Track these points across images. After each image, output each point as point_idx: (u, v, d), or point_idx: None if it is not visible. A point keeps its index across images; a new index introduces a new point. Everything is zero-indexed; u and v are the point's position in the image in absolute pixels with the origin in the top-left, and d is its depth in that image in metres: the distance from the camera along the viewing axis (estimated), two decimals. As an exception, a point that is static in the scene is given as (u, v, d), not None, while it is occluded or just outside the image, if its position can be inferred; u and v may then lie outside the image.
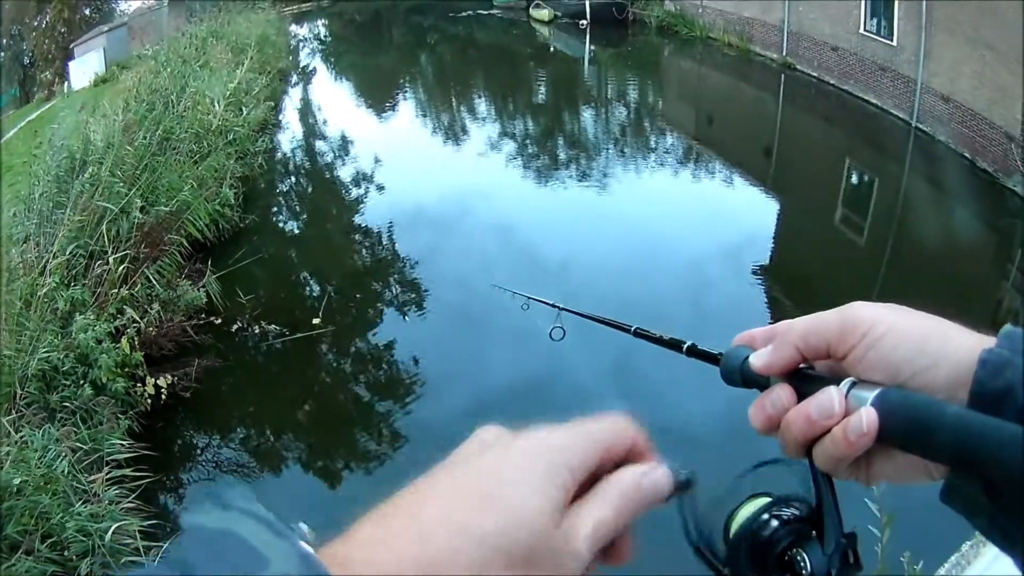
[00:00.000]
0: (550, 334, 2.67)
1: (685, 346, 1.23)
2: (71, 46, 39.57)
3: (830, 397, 0.87)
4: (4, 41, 40.97)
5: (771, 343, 0.98)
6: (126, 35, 39.08)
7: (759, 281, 14.96)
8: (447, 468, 0.83)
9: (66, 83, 37.25)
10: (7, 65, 41.27)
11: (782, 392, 0.94)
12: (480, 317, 13.52)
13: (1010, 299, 14.57)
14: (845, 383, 0.88)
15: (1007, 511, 0.79)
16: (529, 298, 3.01)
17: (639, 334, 1.50)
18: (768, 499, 0.99)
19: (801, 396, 0.92)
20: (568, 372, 11.67)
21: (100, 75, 34.40)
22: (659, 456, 0.87)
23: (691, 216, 18.82)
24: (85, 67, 36.37)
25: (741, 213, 19.13)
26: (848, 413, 0.86)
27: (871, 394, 0.85)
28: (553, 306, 2.55)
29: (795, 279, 15.44)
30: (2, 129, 29.12)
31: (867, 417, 0.83)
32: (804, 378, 0.95)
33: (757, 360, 0.98)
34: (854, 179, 22.17)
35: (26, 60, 42.39)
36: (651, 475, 0.83)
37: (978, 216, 18.16)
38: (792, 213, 19.04)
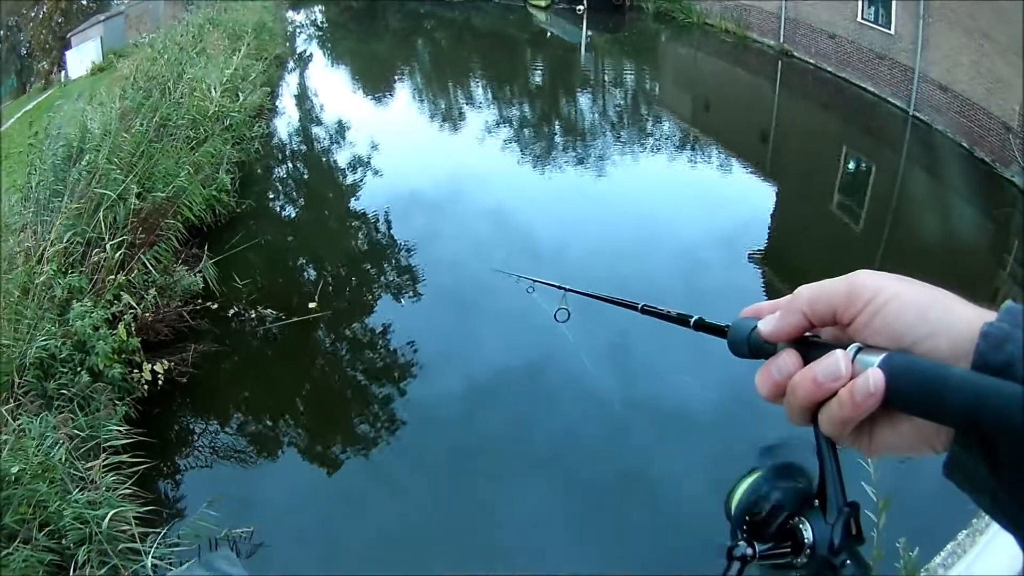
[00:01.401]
0: (555, 316, 2.67)
1: (693, 320, 1.26)
2: (68, 36, 39.49)
3: (836, 360, 0.90)
4: (2, 32, 40.91)
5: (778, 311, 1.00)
6: (123, 24, 38.95)
7: (755, 266, 14.98)
8: None
9: (63, 72, 37.23)
10: (4, 56, 41.21)
11: (788, 357, 0.97)
12: (478, 300, 13.58)
13: (1007, 289, 14.59)
14: (851, 347, 0.91)
15: (1009, 486, 0.80)
16: (534, 280, 3.00)
17: (647, 311, 1.54)
18: (768, 469, 1.00)
19: (807, 362, 0.94)
20: (567, 352, 11.71)
21: (97, 64, 34.30)
22: None
23: (688, 201, 18.90)
24: (82, 56, 36.31)
25: (738, 198, 19.19)
26: (854, 376, 0.88)
27: (877, 358, 0.87)
28: (558, 287, 2.56)
29: (791, 264, 15.47)
30: (1, 119, 29.13)
31: (874, 377, 0.85)
32: (810, 345, 0.97)
33: (765, 326, 1.01)
34: (851, 166, 22.21)
35: (23, 51, 42.31)
36: None
37: (975, 205, 18.18)
38: (789, 199, 19.07)
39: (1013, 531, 0.83)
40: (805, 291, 0.98)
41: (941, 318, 0.87)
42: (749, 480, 1.00)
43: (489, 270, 14.49)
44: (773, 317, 1.00)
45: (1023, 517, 0.81)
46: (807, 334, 0.99)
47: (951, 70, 20.69)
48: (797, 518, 0.95)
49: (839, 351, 0.90)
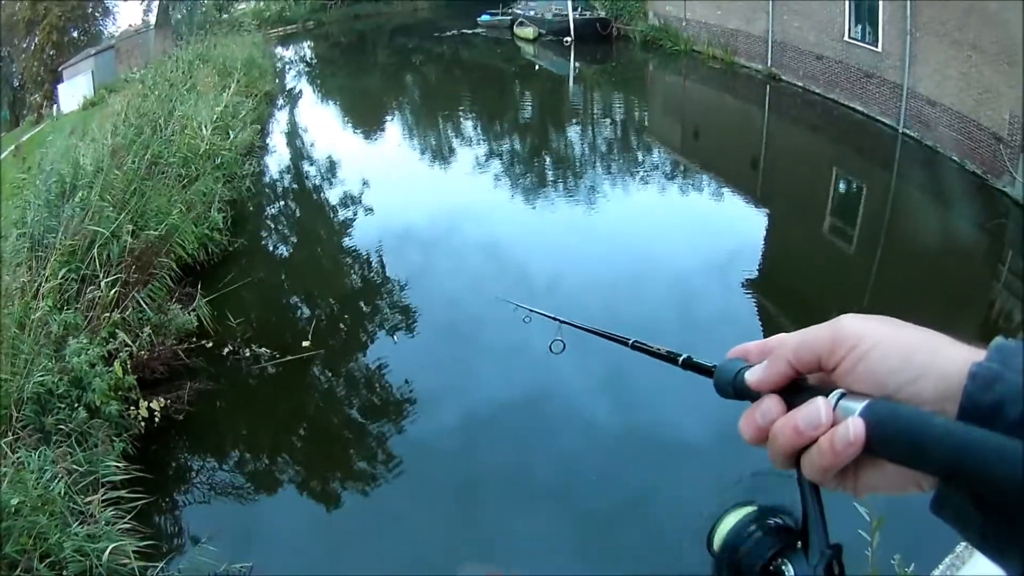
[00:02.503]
0: (550, 347, 2.68)
1: (681, 359, 1.26)
2: (60, 69, 39.70)
3: (817, 408, 0.90)
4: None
5: (765, 356, 1.01)
6: (114, 58, 39.18)
7: (749, 294, 14.96)
8: None
9: (55, 106, 37.36)
10: (-1, 88, 41.35)
11: (771, 403, 0.97)
12: (471, 335, 13.56)
13: (1002, 300, 14.60)
14: (833, 394, 0.90)
15: (996, 524, 0.80)
16: (531, 311, 3.01)
17: (637, 347, 1.54)
18: (753, 508, 1.01)
19: (790, 407, 0.94)
20: (563, 384, 11.70)
21: (89, 98, 34.50)
22: None
23: (679, 231, 18.85)
24: (74, 90, 36.52)
25: (729, 226, 19.17)
26: (836, 423, 0.88)
27: (859, 405, 0.87)
28: (554, 319, 2.57)
29: (785, 290, 15.45)
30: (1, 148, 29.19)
31: (854, 427, 0.85)
32: (794, 390, 0.97)
33: (751, 376, 1.01)
34: (842, 188, 22.24)
35: (15, 83, 42.40)
36: None
37: (968, 218, 18.19)
38: (781, 224, 19.06)
39: (1003, 566, 0.83)
40: (790, 340, 0.98)
41: (928, 361, 0.87)
42: (734, 517, 1.02)
43: (485, 301, 14.50)
44: (760, 367, 1.00)
45: (1013, 553, 0.81)
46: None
47: (940, 84, 20.73)
48: (780, 559, 0.95)
49: (820, 399, 0.91)
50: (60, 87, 38.17)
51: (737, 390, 1.04)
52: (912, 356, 0.88)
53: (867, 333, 0.91)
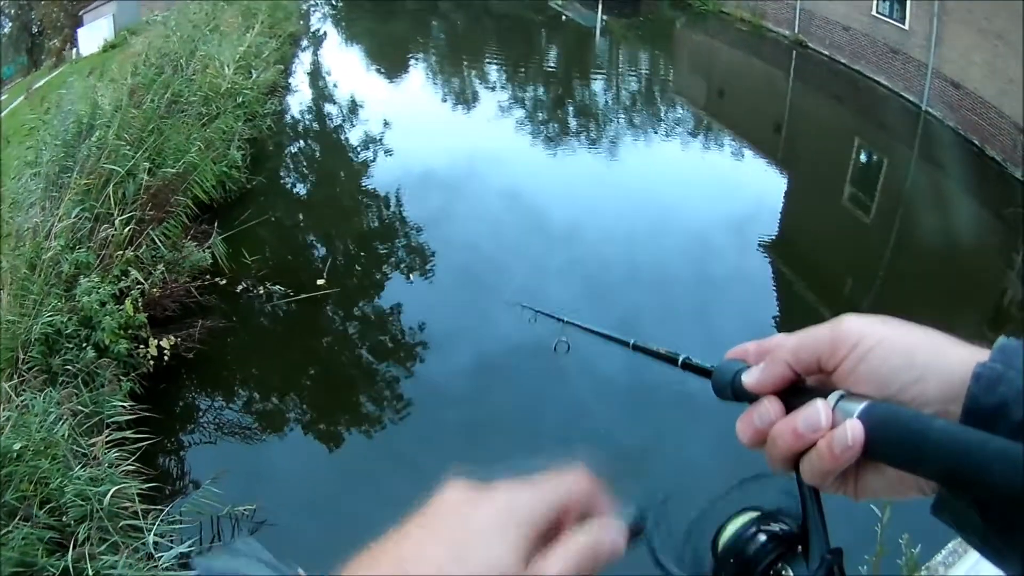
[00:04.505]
0: (554, 348, 2.69)
1: (680, 360, 1.24)
2: (80, 13, 39.43)
3: (817, 410, 0.87)
4: (12, 11, 40.91)
5: (763, 357, 0.99)
6: (136, 1, 38.95)
7: (765, 254, 14.99)
8: (422, 522, 0.84)
9: (75, 50, 37.18)
10: (15, 34, 41.19)
11: (770, 405, 0.94)
12: (486, 280, 13.57)
13: (1014, 288, 14.59)
14: (833, 396, 0.88)
15: (999, 529, 0.79)
16: (536, 311, 3.01)
17: (637, 348, 1.53)
18: (756, 513, 0.99)
19: (789, 409, 0.92)
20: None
21: (109, 41, 34.24)
22: (614, 503, 0.90)
23: (699, 187, 18.95)
24: (94, 33, 36.22)
25: (749, 187, 19.30)
26: (835, 426, 0.85)
27: (858, 407, 0.85)
28: (559, 319, 2.57)
29: (801, 254, 15.54)
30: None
31: (852, 430, 0.83)
32: (793, 391, 0.95)
33: (749, 378, 0.98)
34: (863, 159, 22.21)
35: (35, 28, 42.28)
36: (606, 535, 0.84)
37: (984, 203, 18.18)
38: (800, 189, 19.12)
39: (1003, 569, 0.82)
40: (789, 340, 0.96)
41: (929, 361, 0.86)
42: (738, 521, 1.00)
43: (502, 247, 14.56)
44: (758, 368, 0.98)
45: (1013, 556, 0.80)
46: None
47: (964, 68, 20.69)
48: (780, 564, 0.94)
49: (820, 401, 0.88)
50: (80, 31, 37.85)
51: (735, 392, 1.02)
52: (914, 356, 0.86)
53: (868, 332, 0.89)
